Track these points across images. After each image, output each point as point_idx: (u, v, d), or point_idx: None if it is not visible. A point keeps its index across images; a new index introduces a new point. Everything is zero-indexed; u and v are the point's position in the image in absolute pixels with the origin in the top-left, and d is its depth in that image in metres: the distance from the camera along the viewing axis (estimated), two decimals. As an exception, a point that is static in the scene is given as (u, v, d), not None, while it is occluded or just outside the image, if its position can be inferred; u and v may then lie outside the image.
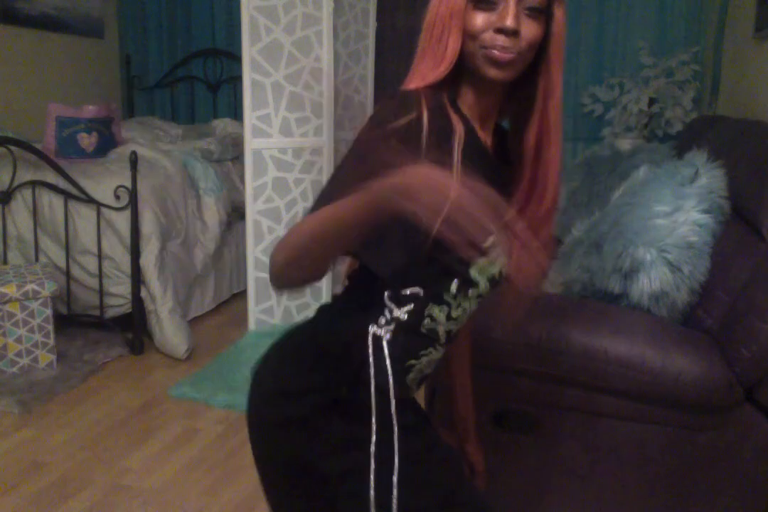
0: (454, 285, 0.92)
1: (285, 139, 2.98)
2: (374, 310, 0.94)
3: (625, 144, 3.09)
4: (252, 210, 3.00)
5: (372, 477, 0.91)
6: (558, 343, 1.40)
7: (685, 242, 1.55)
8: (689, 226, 1.56)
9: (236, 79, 4.45)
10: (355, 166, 0.84)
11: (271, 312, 3.11)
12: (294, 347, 1.00)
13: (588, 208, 2.78)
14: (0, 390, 2.51)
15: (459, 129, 0.89)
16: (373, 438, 0.92)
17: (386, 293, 0.93)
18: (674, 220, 1.57)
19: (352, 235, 0.76)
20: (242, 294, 3.47)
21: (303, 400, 0.94)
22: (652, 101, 3.53)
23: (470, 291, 0.94)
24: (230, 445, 2.22)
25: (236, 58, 4.33)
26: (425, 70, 0.91)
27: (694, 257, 1.55)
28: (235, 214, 3.59)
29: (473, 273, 0.92)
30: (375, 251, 0.85)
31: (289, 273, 0.82)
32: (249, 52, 2.86)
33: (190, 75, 4.68)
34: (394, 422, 0.93)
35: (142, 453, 2.18)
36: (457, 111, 0.92)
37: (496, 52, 0.87)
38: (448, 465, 1.02)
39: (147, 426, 2.34)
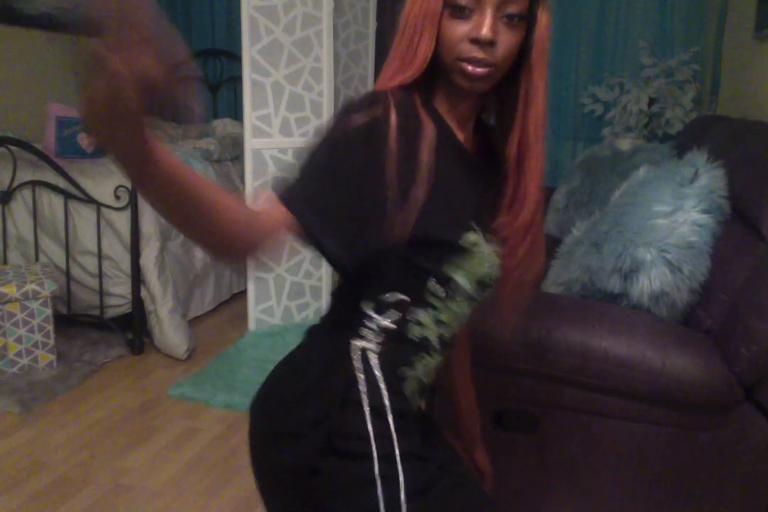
0: (431, 285, 0.88)
1: (285, 139, 2.98)
2: (357, 323, 0.89)
3: (625, 144, 3.09)
4: (252, 210, 3.00)
5: None
6: (558, 343, 1.40)
7: (685, 242, 1.55)
8: (689, 226, 1.56)
9: (236, 79, 4.45)
10: (327, 162, 0.81)
11: (271, 312, 3.11)
12: (281, 381, 0.95)
13: (588, 208, 2.78)
14: (0, 390, 2.51)
15: (428, 127, 0.87)
16: (377, 475, 0.86)
17: (366, 303, 0.89)
18: (674, 220, 1.57)
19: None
20: (242, 294, 3.47)
21: (299, 442, 0.88)
22: (652, 101, 3.54)
23: (454, 292, 0.90)
24: (230, 445, 2.22)
25: (236, 58, 4.33)
26: (393, 72, 0.88)
27: (694, 257, 1.55)
28: (235, 214, 3.59)
29: (446, 270, 0.88)
30: (330, 235, 0.80)
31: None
32: (249, 52, 2.86)
33: (190, 75, 4.68)
34: (396, 451, 0.87)
35: (142, 453, 2.18)
36: (431, 110, 0.89)
37: (470, 67, 0.83)
38: (461, 489, 0.96)
39: (147, 426, 2.34)
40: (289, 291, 3.12)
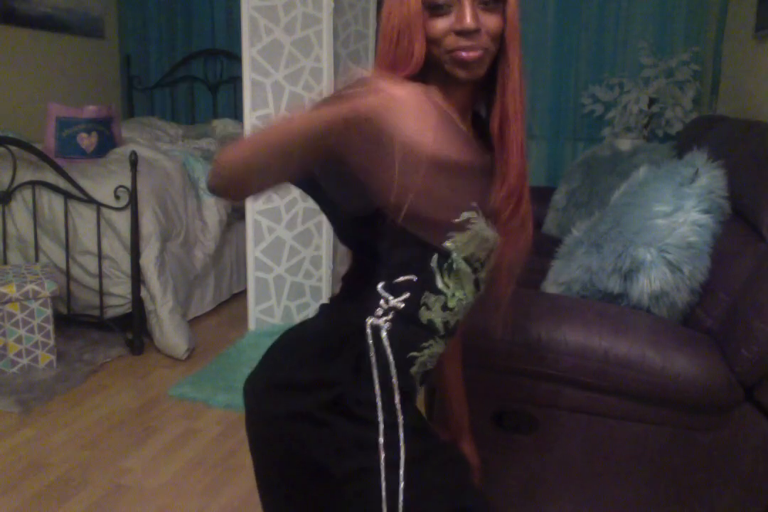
0: (433, 262, 0.93)
1: (285, 139, 2.98)
2: (370, 302, 0.94)
3: (625, 144, 3.09)
4: (252, 210, 3.00)
5: (382, 478, 0.90)
6: (558, 343, 1.40)
7: (685, 242, 1.55)
8: (689, 226, 1.56)
9: (236, 79, 4.45)
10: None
11: (271, 312, 3.11)
12: (295, 342, 1.01)
13: (588, 208, 2.78)
14: (0, 390, 2.51)
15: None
16: (381, 439, 0.91)
17: (380, 284, 0.94)
18: (674, 220, 1.57)
19: (313, 149, 0.76)
20: (242, 294, 3.48)
21: (307, 395, 0.93)
22: (652, 101, 3.54)
23: (453, 269, 0.94)
24: (230, 445, 2.22)
25: (236, 58, 4.33)
26: (388, 73, 0.91)
27: (694, 257, 1.55)
28: (235, 214, 3.59)
29: (448, 244, 0.93)
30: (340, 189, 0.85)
31: (230, 179, 0.83)
32: (249, 52, 2.86)
33: (190, 75, 4.68)
34: (399, 420, 0.92)
35: (142, 453, 2.18)
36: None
37: (463, 54, 0.87)
38: (455, 468, 1.01)
39: (147, 426, 2.34)
40: (289, 291, 3.12)
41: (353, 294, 0.99)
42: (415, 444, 0.93)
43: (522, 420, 1.46)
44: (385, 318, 0.93)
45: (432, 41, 0.88)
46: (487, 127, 1.00)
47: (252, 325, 3.10)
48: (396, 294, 0.93)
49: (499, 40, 0.90)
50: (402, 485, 0.91)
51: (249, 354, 2.83)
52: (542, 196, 3.22)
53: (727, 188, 1.70)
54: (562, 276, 1.74)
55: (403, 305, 0.93)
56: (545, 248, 2.11)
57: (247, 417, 1.01)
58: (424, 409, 1.60)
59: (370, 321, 0.94)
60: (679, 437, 1.40)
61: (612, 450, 1.43)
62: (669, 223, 1.57)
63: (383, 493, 0.90)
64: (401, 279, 0.93)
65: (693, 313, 1.59)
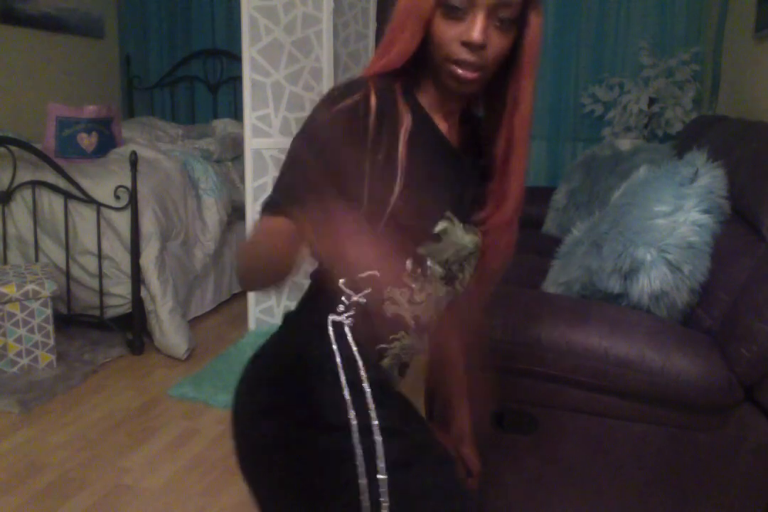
0: (408, 265, 0.91)
1: (285, 139, 2.98)
2: (332, 300, 0.93)
3: (625, 144, 3.09)
4: (252, 210, 3.00)
5: (364, 488, 0.88)
6: (558, 343, 1.40)
7: (685, 242, 1.55)
8: (689, 226, 1.56)
9: (236, 79, 4.45)
10: (307, 155, 0.85)
11: (271, 312, 3.11)
12: (263, 361, 1.00)
13: (588, 208, 2.78)
14: (0, 390, 2.51)
15: (405, 118, 0.88)
16: (358, 450, 0.89)
17: (342, 280, 0.92)
18: (674, 220, 1.57)
19: (291, 260, 0.79)
20: (242, 294, 3.48)
21: (281, 416, 0.92)
22: (652, 101, 3.54)
23: (428, 273, 0.93)
24: (230, 445, 2.21)
25: (236, 58, 4.33)
26: (376, 59, 0.91)
27: (694, 257, 1.55)
28: (235, 214, 3.59)
29: (422, 251, 0.91)
30: None
31: (250, 281, 0.86)
32: (249, 52, 2.86)
33: (190, 75, 4.68)
34: (374, 423, 0.90)
35: (142, 453, 2.18)
36: (411, 100, 0.91)
37: (459, 71, 0.85)
38: (442, 468, 0.98)
39: (147, 426, 2.34)
40: (289, 291, 3.11)
41: (317, 292, 0.98)
42: (396, 448, 0.91)
43: (522, 420, 1.46)
44: (347, 314, 0.92)
45: (437, 44, 0.86)
46: (480, 127, 0.99)
47: (252, 325, 3.10)
48: (357, 290, 0.92)
49: (501, 61, 0.87)
50: (385, 493, 0.88)
51: (249, 354, 2.81)
52: (542, 196, 3.22)
53: (727, 188, 1.70)
54: (562, 276, 1.74)
55: (365, 300, 0.92)
56: (545, 248, 2.11)
57: (234, 445, 1.01)
58: (424, 414, 1.59)
59: (331, 318, 0.93)
60: (679, 437, 1.40)
61: (612, 450, 1.43)
62: (669, 223, 1.57)
63: (366, 503, 0.88)
64: (364, 274, 0.90)
65: (693, 313, 1.59)
